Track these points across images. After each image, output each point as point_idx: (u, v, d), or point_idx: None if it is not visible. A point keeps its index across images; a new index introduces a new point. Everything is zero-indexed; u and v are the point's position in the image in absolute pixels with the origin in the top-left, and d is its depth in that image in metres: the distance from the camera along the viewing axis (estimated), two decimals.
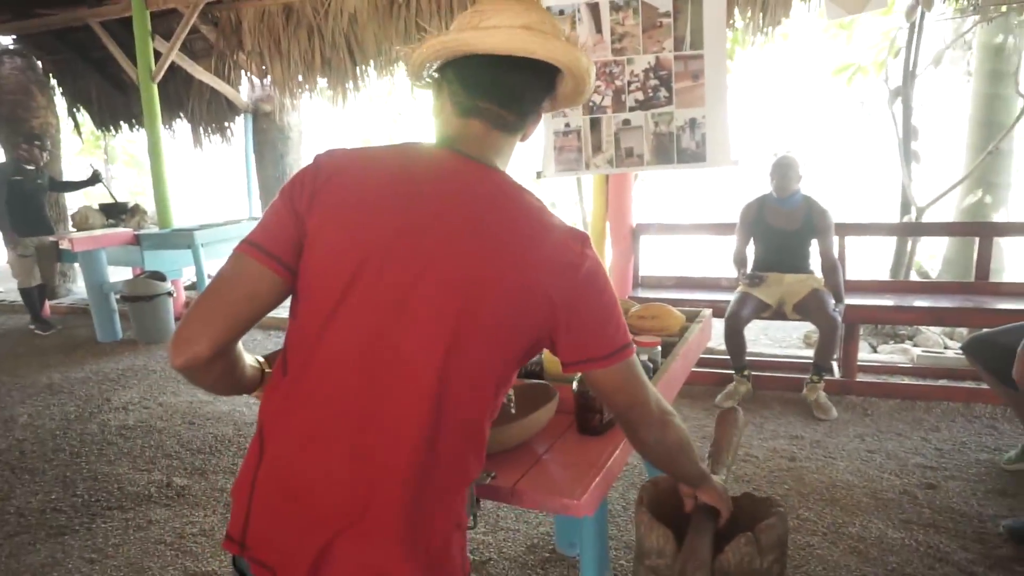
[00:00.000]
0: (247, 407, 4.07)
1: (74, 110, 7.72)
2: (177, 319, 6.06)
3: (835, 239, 3.93)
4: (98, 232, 5.68)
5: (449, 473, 1.05)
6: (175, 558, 2.57)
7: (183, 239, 5.57)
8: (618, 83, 4.12)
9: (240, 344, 1.09)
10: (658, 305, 2.12)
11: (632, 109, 4.11)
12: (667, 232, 4.80)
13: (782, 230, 3.92)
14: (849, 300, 3.86)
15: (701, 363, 4.33)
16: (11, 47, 7.20)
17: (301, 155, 7.47)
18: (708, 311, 2.38)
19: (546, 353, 1.78)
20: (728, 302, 3.89)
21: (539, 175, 4.34)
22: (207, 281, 5.99)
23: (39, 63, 7.34)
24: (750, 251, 4.11)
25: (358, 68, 6.02)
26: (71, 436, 3.76)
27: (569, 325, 1.03)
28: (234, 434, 3.68)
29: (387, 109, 12.72)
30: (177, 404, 4.17)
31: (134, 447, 3.57)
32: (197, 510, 2.91)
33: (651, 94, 4.08)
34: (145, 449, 3.54)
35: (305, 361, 1.02)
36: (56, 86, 7.59)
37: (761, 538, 1.30)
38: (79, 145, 11.34)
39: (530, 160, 4.40)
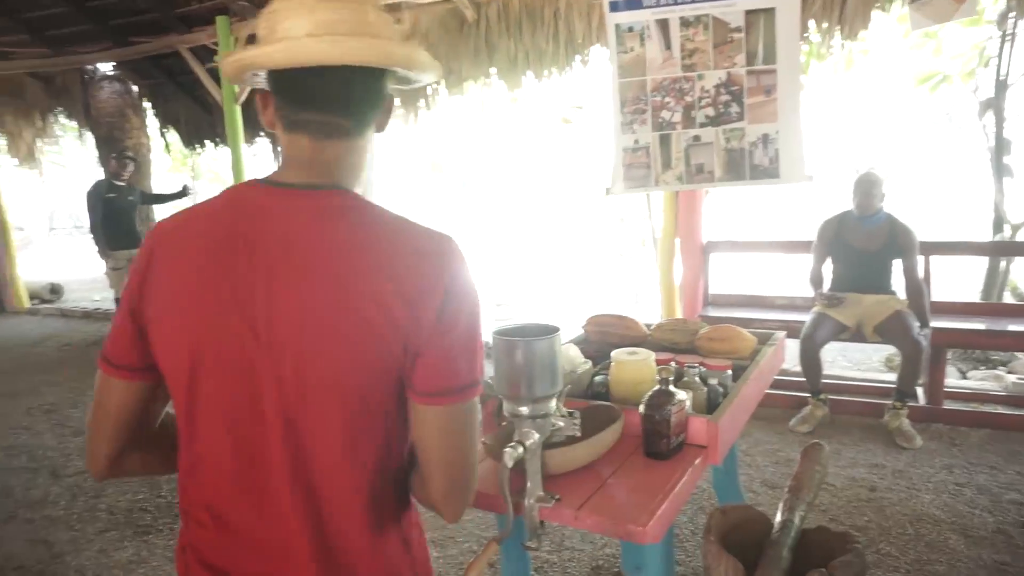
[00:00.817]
0: None
1: (164, 130, 8.16)
2: None
3: (920, 259, 3.75)
4: None
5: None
6: None
7: None
8: (688, 99, 4.06)
9: (165, 418, 1.06)
10: (728, 327, 2.07)
11: (703, 125, 4.05)
12: (738, 249, 4.69)
13: (863, 249, 3.77)
14: (936, 323, 3.67)
15: (775, 385, 4.17)
16: (110, 73, 7.69)
17: (372, 172, 7.68)
18: (782, 333, 2.30)
19: (612, 374, 1.77)
20: (803, 323, 3.75)
21: (608, 192, 4.31)
22: None
23: (134, 87, 7.81)
24: (827, 270, 3.96)
25: (429, 87, 6.14)
26: None
27: (428, 352, 0.90)
28: None
29: (458, 126, 12.94)
30: None
31: None
32: None
33: (722, 110, 4.01)
34: None
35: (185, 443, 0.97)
36: (149, 108, 8.05)
37: (836, 575, 1.24)
38: (169, 163, 11.98)
39: (599, 176, 4.38)
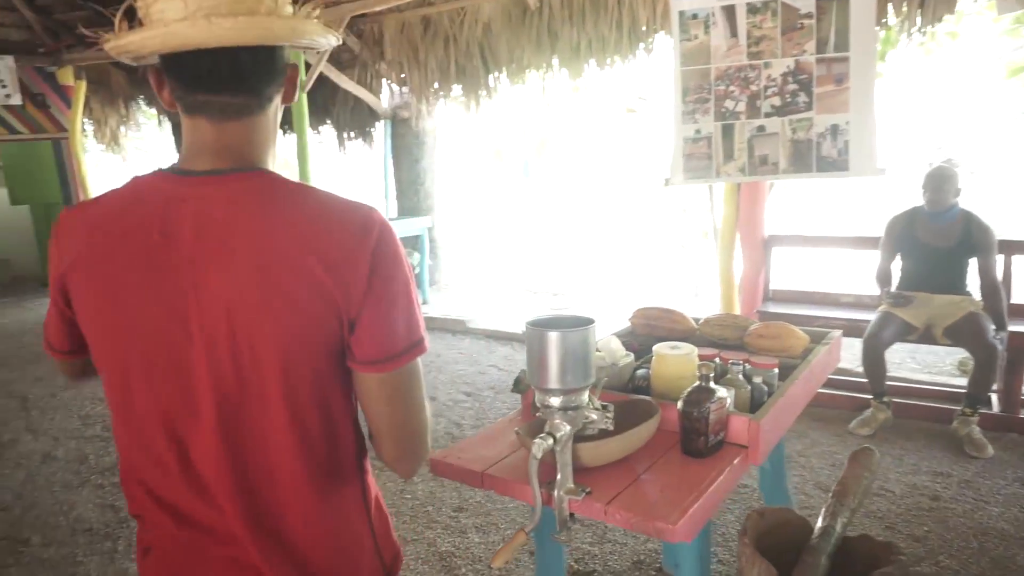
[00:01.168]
0: None
1: None
2: None
3: (999, 258, 3.54)
4: None
5: None
6: None
7: None
8: (753, 88, 3.94)
9: None
10: (779, 324, 2.01)
11: (768, 115, 3.92)
12: (802, 244, 4.53)
13: (934, 247, 3.58)
14: (1015, 327, 3.46)
15: (835, 386, 4.05)
16: None
17: (435, 160, 7.75)
18: (838, 332, 2.22)
19: (653, 368, 1.74)
20: (868, 322, 3.60)
21: (667, 182, 4.23)
22: None
23: None
24: (896, 268, 3.79)
25: (491, 75, 6.15)
26: None
27: (363, 321, 0.89)
28: None
29: (519, 114, 12.91)
30: None
31: None
32: None
33: (789, 99, 3.87)
34: None
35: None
36: None
37: None
38: None
39: (660, 167, 4.31)
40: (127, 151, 9.88)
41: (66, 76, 8.42)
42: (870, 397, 3.63)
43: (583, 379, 1.30)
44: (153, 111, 8.85)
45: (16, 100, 7.90)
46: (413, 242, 7.41)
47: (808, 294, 4.38)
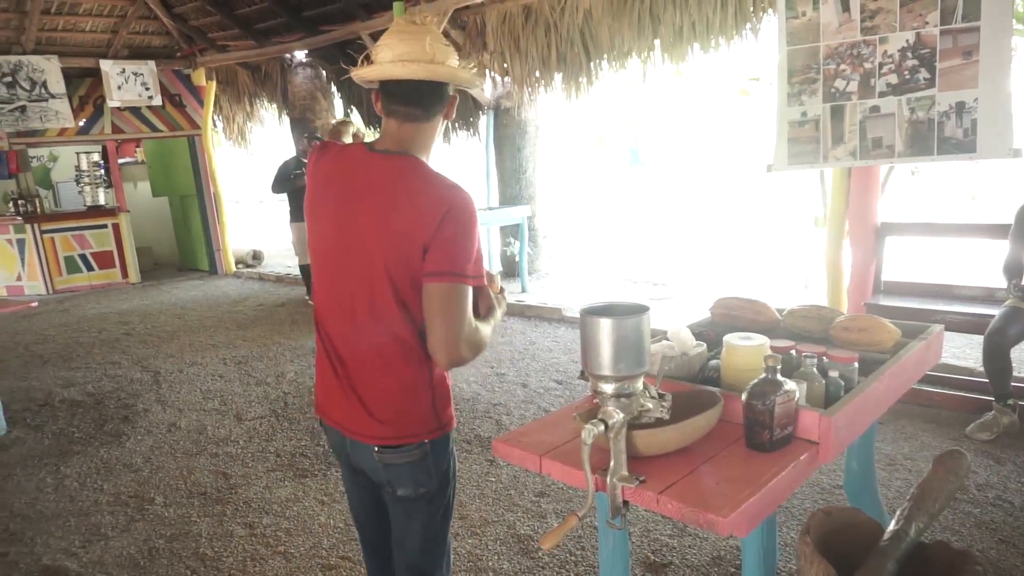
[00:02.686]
0: (466, 383, 4.38)
1: (348, 111, 8.83)
2: None
3: None
4: None
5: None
6: None
7: None
8: (867, 65, 3.70)
9: None
10: (868, 316, 1.89)
11: (883, 94, 3.67)
12: (919, 233, 4.21)
13: None
14: None
15: (954, 385, 3.76)
16: (304, 60, 8.45)
17: (537, 148, 7.78)
18: (939, 327, 2.06)
19: (723, 359, 1.69)
20: (993, 317, 3.31)
21: (769, 168, 4.05)
22: None
23: (323, 72, 8.52)
24: None
25: (592, 63, 6.10)
26: None
27: (431, 248, 1.37)
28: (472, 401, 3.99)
29: (620, 101, 12.70)
30: None
31: None
32: None
33: (907, 76, 3.60)
34: None
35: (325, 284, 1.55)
36: (335, 91, 8.75)
37: None
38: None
39: (767, 152, 4.13)
40: (252, 145, 10.57)
41: (199, 78, 9.13)
42: (992, 399, 3.34)
43: (636, 367, 1.29)
44: (274, 107, 9.39)
45: (157, 101, 8.65)
46: (513, 231, 7.49)
47: (925, 286, 4.07)
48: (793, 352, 1.68)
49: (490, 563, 2.49)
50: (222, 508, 3.00)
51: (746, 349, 1.62)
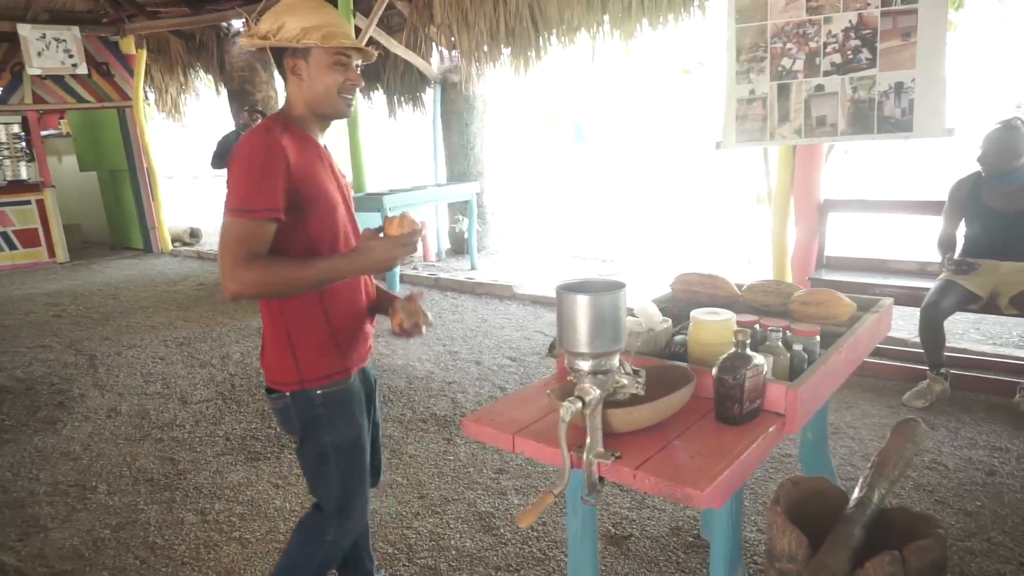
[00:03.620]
0: (419, 362, 4.34)
1: None
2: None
3: None
4: None
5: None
6: None
7: (374, 203, 6.00)
8: (812, 45, 3.78)
9: None
10: (825, 291, 1.94)
11: (827, 73, 3.76)
12: (859, 209, 4.36)
13: (1002, 212, 3.40)
14: None
15: (890, 356, 3.92)
16: (242, 29, 8.11)
17: (485, 124, 7.70)
18: (888, 300, 2.14)
19: (691, 334, 1.71)
20: (928, 290, 3.46)
21: (718, 146, 4.11)
22: None
23: None
24: (960, 235, 3.62)
25: (540, 37, 6.05)
26: None
27: None
28: (405, 386, 3.95)
29: (568, 77, 12.68)
30: None
31: None
32: None
33: (850, 56, 3.70)
34: None
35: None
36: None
37: (911, 560, 1.16)
38: None
39: (712, 130, 4.19)
40: (186, 118, 10.14)
41: (128, 46, 8.66)
42: (926, 368, 3.51)
43: (613, 343, 1.29)
44: (211, 79, 9.02)
45: (82, 69, 8.16)
46: (462, 208, 7.43)
47: (864, 261, 4.23)
48: (757, 326, 1.71)
49: (452, 541, 2.49)
50: (171, 495, 2.90)
51: (713, 324, 1.64)
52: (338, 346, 1.65)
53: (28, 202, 8.29)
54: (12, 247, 8.27)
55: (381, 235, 1.57)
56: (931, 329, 3.42)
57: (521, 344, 4.67)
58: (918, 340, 3.54)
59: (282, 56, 1.59)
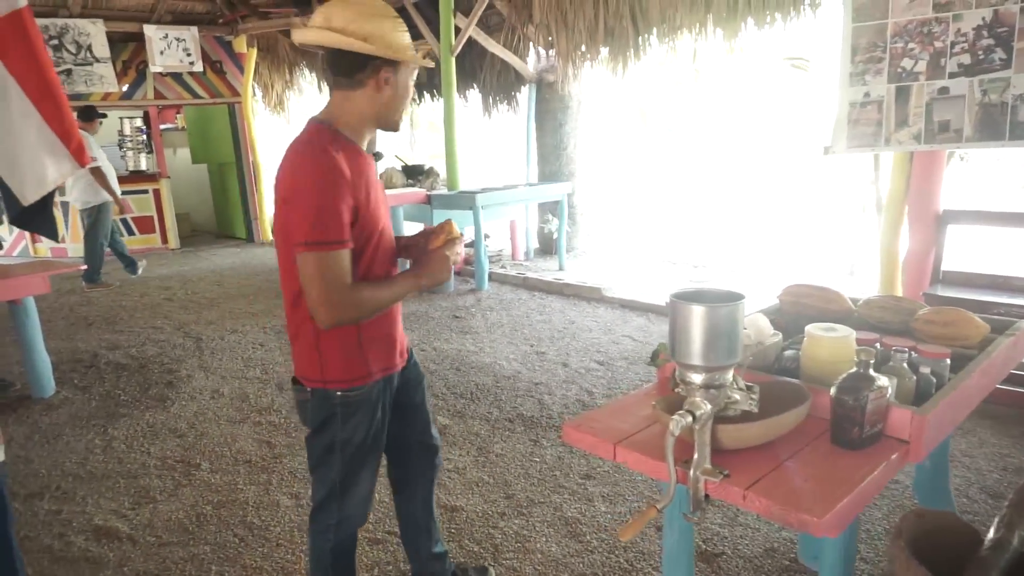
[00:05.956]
0: (506, 360, 4.35)
1: None
2: (457, 273, 6.68)
3: None
4: (398, 191, 6.45)
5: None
6: None
7: (466, 200, 6.07)
8: (938, 44, 3.53)
9: None
10: (955, 310, 1.80)
11: (953, 75, 3.51)
12: (984, 222, 4.05)
13: None
14: None
15: (1015, 381, 3.62)
16: None
17: (579, 124, 7.65)
18: None
19: (805, 350, 1.62)
20: None
21: (826, 151, 3.92)
22: (483, 240, 6.36)
23: None
24: None
25: (640, 37, 5.95)
26: None
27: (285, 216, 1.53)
28: (492, 384, 3.96)
29: (669, 77, 12.42)
30: (448, 350, 4.60)
31: None
32: (453, 449, 3.20)
33: (981, 56, 3.44)
34: None
35: None
36: None
37: None
38: None
39: (821, 134, 3.99)
40: (291, 114, 10.58)
41: (240, 44, 9.11)
42: None
43: (728, 357, 1.23)
44: (314, 76, 9.36)
45: (198, 67, 8.65)
46: (552, 207, 7.40)
47: (987, 277, 3.92)
48: (878, 345, 1.60)
49: (538, 544, 2.47)
50: (267, 477, 3.02)
51: (831, 340, 1.54)
52: (363, 351, 1.67)
53: (146, 191, 8.86)
54: (131, 232, 8.86)
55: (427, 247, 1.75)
56: None
57: (609, 348, 4.60)
58: None
59: (367, 63, 1.54)
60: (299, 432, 3.44)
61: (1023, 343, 1.94)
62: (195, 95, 9.04)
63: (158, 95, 8.82)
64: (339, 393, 1.66)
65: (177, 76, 8.78)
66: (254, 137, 9.40)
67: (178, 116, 10.77)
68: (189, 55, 8.52)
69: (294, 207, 1.48)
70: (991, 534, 1.25)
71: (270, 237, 9.68)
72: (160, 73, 8.57)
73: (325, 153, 1.48)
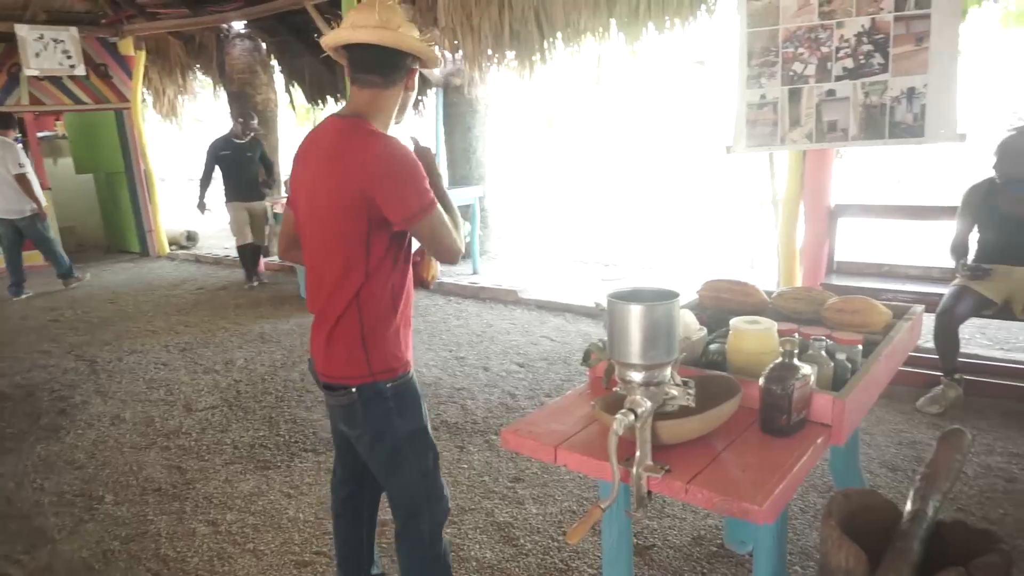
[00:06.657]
0: (426, 367, 4.29)
1: (290, 86, 8.50)
2: None
3: None
4: None
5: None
6: None
7: None
8: (824, 49, 3.76)
9: None
10: (861, 298, 1.91)
11: (839, 78, 3.74)
12: (871, 215, 4.35)
13: (1016, 217, 3.39)
14: None
15: (905, 362, 3.90)
16: (242, 31, 8.05)
17: (487, 128, 7.66)
18: (920, 307, 2.11)
19: (731, 343, 1.67)
20: (940, 296, 3.45)
21: (728, 150, 4.09)
22: None
23: (263, 45, 8.14)
24: (973, 240, 3.60)
25: (545, 40, 6.02)
26: (276, 381, 4.20)
27: (380, 197, 1.53)
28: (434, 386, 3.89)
29: (574, 80, 12.67)
30: None
31: None
32: None
33: (862, 61, 3.68)
34: None
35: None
36: (276, 65, 8.39)
37: None
38: (293, 118, 12.45)
39: (718, 134, 4.16)
40: (184, 120, 10.06)
41: (127, 47, 8.57)
42: (940, 374, 3.49)
43: (667, 354, 1.25)
44: (209, 81, 8.95)
45: (80, 71, 8.06)
46: (464, 212, 7.38)
47: (875, 266, 4.21)
48: (798, 335, 1.68)
49: (472, 552, 2.44)
50: (180, 505, 2.84)
51: (755, 333, 1.60)
52: (400, 340, 1.69)
53: None
54: None
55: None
56: (946, 334, 3.41)
57: (528, 350, 4.63)
58: (930, 345, 3.53)
59: (404, 64, 1.62)
60: (211, 454, 3.27)
61: (918, 327, 2.09)
62: (78, 100, 8.44)
63: (34, 100, 8.17)
64: (389, 385, 1.66)
65: (56, 80, 8.15)
66: (145, 144, 8.87)
67: (58, 123, 10.02)
68: (69, 57, 7.92)
69: (404, 182, 1.53)
70: (908, 507, 1.33)
71: (167, 250, 9.17)
72: (36, 77, 7.94)
73: (389, 136, 1.59)
